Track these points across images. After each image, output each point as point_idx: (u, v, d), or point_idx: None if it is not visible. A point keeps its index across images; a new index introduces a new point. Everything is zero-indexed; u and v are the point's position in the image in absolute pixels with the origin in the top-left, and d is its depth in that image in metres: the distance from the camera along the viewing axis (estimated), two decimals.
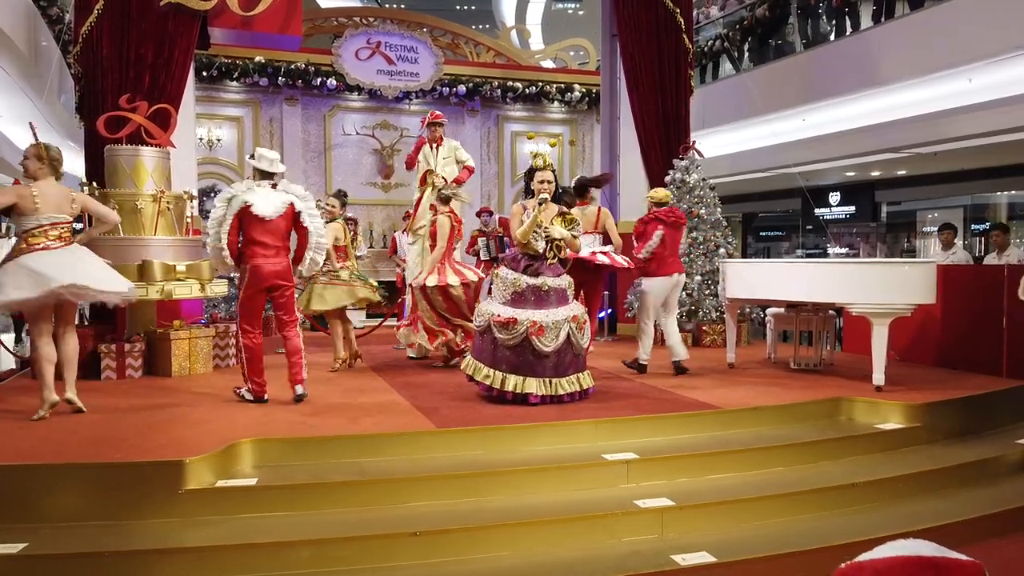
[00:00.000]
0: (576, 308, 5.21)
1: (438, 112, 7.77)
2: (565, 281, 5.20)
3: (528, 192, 5.38)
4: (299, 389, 5.15)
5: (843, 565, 1.28)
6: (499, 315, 4.98)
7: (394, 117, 11.96)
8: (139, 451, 3.87)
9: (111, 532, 3.42)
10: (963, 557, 1.24)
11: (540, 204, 5.10)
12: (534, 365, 4.97)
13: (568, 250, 5.27)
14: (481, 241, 9.27)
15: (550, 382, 4.99)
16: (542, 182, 5.18)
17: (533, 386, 4.95)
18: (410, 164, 7.71)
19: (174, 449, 3.88)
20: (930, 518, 4.01)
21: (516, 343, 4.94)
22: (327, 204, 6.74)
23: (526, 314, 4.95)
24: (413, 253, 7.34)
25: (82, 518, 3.52)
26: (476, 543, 3.52)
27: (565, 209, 5.33)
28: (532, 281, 5.02)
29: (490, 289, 5.41)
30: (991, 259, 8.30)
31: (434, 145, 7.43)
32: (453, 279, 6.40)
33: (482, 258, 9.25)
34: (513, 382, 4.95)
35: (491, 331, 5.01)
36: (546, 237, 5.09)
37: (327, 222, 6.58)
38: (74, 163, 8.65)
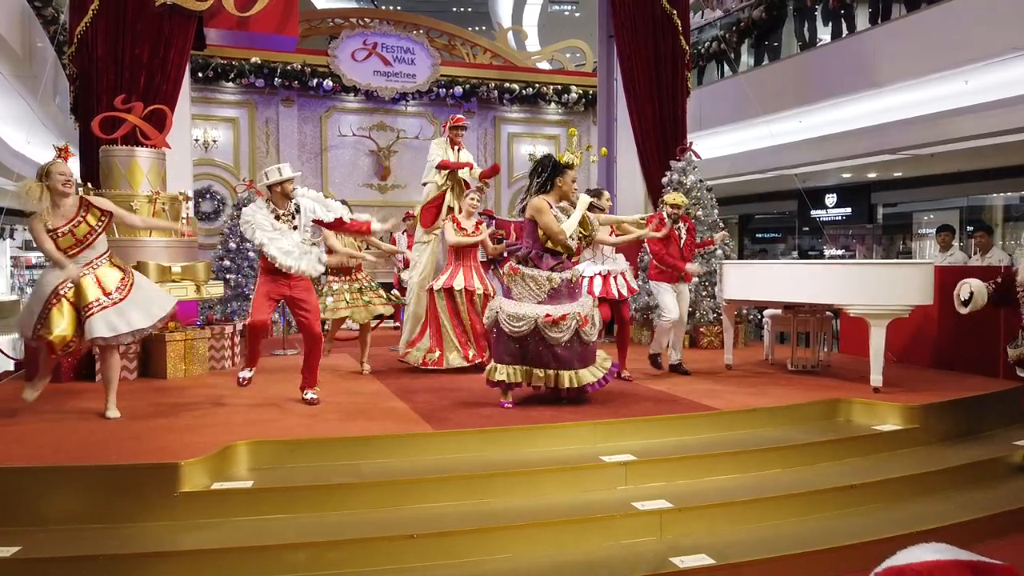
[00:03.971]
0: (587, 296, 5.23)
1: (460, 116, 7.66)
2: (578, 271, 5.20)
3: (544, 188, 5.02)
4: (307, 394, 5.18)
5: (879, 569, 1.26)
6: (550, 314, 4.83)
7: (391, 118, 11.94)
8: (134, 453, 3.85)
9: (105, 535, 3.39)
10: (996, 561, 1.22)
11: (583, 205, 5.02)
12: (583, 355, 4.98)
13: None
14: None
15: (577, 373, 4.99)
16: (575, 180, 5.12)
17: (587, 376, 4.98)
18: (444, 166, 7.47)
19: (169, 451, 3.86)
20: (929, 519, 4.01)
21: (568, 339, 4.88)
22: None
23: (573, 308, 4.92)
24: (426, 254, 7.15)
25: (76, 521, 3.49)
26: (474, 545, 3.50)
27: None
28: (565, 276, 4.97)
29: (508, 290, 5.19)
30: (975, 261, 8.22)
31: (456, 148, 7.37)
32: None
33: (480, 259, 9.26)
34: (568, 377, 4.92)
35: (538, 332, 4.84)
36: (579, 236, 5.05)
37: None
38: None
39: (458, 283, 6.34)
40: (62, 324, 4.43)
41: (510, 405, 4.94)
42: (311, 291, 5.18)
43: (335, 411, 4.91)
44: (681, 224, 6.38)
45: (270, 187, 5.04)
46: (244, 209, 5.24)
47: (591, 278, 6.20)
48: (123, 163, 6.45)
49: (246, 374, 5.20)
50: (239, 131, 11.28)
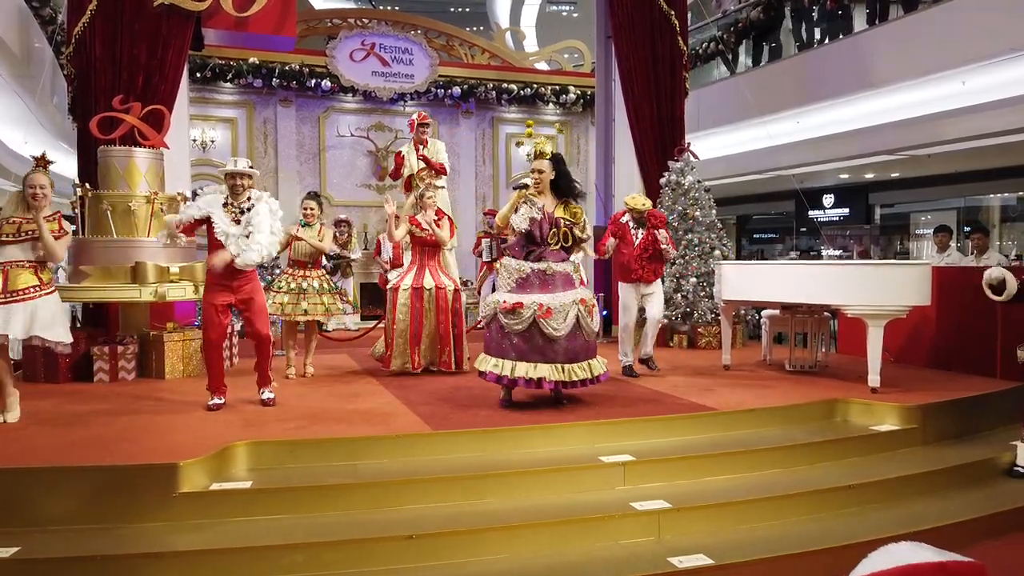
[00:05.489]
0: (584, 291, 5.09)
1: (425, 113, 7.74)
2: (571, 266, 5.10)
3: (526, 184, 5.32)
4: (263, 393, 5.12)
5: None
6: (505, 301, 4.90)
7: (388, 119, 11.94)
8: (132, 454, 3.84)
9: (104, 536, 3.39)
10: (964, 559, 1.23)
11: (523, 193, 5.10)
12: (545, 350, 4.83)
13: (573, 239, 5.14)
14: (485, 242, 9.31)
15: (563, 368, 4.86)
16: (533, 171, 5.16)
17: (546, 371, 4.81)
18: (396, 175, 7.65)
19: (168, 452, 3.85)
20: (926, 520, 4.01)
21: (524, 328, 4.82)
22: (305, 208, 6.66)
23: (532, 298, 4.86)
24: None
25: (74, 522, 3.49)
26: (471, 546, 3.50)
27: (570, 200, 5.18)
28: (536, 266, 4.96)
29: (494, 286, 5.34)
30: (968, 262, 8.09)
31: (420, 147, 7.39)
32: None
33: (484, 259, 9.33)
34: (524, 368, 4.81)
35: (498, 319, 4.92)
36: (553, 225, 5.05)
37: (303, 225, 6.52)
38: (67, 164, 8.61)
39: (428, 282, 6.26)
40: None
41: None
42: (256, 292, 5.07)
43: (334, 412, 4.90)
44: (639, 227, 6.28)
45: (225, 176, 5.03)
46: (206, 187, 5.25)
47: None
48: (121, 163, 6.44)
49: (217, 401, 5.00)
50: (237, 131, 11.28)
